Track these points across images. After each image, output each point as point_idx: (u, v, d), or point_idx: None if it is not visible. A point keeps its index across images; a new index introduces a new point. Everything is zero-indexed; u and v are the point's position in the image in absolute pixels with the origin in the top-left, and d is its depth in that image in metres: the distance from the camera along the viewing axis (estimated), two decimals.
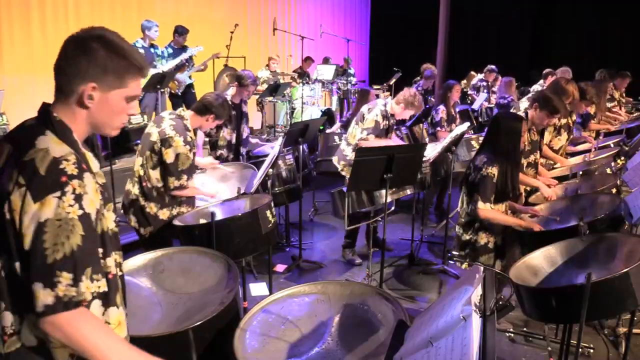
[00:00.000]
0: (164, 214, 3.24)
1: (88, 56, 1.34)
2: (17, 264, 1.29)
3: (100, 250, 1.39)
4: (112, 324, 1.44)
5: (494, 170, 3.20)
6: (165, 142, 3.11)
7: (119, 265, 1.51)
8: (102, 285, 1.34)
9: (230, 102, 4.76)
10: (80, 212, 1.29)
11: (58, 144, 1.33)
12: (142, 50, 6.34)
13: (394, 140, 4.80)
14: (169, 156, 3.12)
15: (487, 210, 3.22)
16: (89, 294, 1.30)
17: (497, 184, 3.22)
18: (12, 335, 1.33)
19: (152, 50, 6.44)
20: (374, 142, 4.40)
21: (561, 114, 4.04)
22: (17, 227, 1.27)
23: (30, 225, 1.25)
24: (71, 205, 1.27)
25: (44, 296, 1.24)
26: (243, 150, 5.01)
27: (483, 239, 3.35)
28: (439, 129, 5.83)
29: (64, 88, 1.37)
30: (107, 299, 1.41)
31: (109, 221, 1.46)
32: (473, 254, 3.39)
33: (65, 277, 1.26)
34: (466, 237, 3.41)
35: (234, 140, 4.87)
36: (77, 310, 1.28)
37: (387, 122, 4.51)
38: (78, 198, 1.29)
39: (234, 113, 4.81)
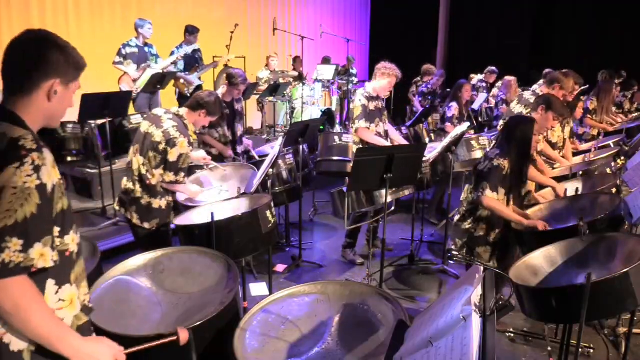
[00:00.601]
0: (163, 204, 3.34)
1: (50, 54, 1.43)
2: None
3: (58, 228, 1.42)
4: (65, 300, 1.46)
5: (505, 163, 3.25)
6: (171, 142, 3.19)
7: (78, 244, 1.54)
8: (55, 256, 1.38)
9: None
10: (38, 182, 1.33)
11: (13, 128, 1.38)
12: (135, 50, 6.28)
13: (393, 134, 4.77)
14: (172, 155, 3.21)
15: (493, 199, 3.24)
16: (42, 261, 1.33)
17: (506, 176, 3.26)
18: None
19: (145, 49, 6.39)
20: (372, 135, 4.40)
21: (565, 114, 4.08)
22: None
23: None
24: (29, 175, 1.31)
25: None
26: (239, 148, 5.00)
27: (482, 229, 3.40)
28: (448, 124, 5.96)
29: (25, 84, 1.43)
30: (61, 277, 1.44)
31: (66, 201, 1.50)
32: (470, 243, 3.44)
33: (15, 244, 1.29)
34: (466, 225, 3.46)
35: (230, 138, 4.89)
36: (20, 277, 1.30)
37: (374, 104, 4.48)
38: (37, 169, 1.33)
39: (227, 112, 4.83)
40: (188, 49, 6.83)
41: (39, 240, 1.32)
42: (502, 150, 3.32)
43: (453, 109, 6.06)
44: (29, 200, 1.30)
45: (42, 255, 1.33)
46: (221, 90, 4.90)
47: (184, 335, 1.65)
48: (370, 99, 4.45)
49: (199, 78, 7.11)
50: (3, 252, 1.27)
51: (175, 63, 6.72)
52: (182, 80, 6.92)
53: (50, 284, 1.42)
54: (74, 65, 1.48)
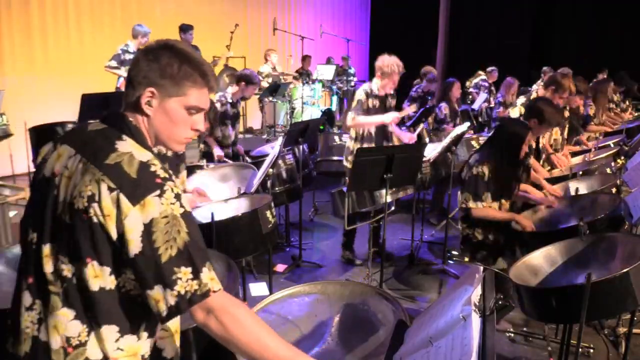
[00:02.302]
0: None
1: (151, 62, 1.31)
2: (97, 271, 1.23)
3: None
4: (167, 330, 1.45)
5: (484, 169, 3.24)
6: None
7: None
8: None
9: (231, 100, 4.80)
10: (182, 210, 1.23)
11: (139, 149, 1.27)
12: (133, 56, 6.27)
13: (398, 132, 4.73)
14: None
15: (479, 209, 3.27)
16: (215, 284, 1.25)
17: (489, 182, 3.25)
18: (78, 347, 1.25)
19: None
20: (362, 118, 4.34)
21: (560, 123, 4.06)
22: (109, 232, 1.20)
23: (134, 229, 1.18)
24: (173, 203, 1.22)
25: (167, 297, 1.20)
26: (232, 148, 5.02)
27: (479, 234, 3.41)
28: (445, 125, 6.05)
29: (130, 95, 1.33)
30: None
31: None
32: (471, 248, 3.45)
33: (184, 273, 1.20)
34: (466, 231, 3.47)
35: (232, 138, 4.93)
36: (208, 299, 1.23)
37: (373, 101, 4.41)
38: (177, 197, 1.23)
39: (235, 111, 4.86)
40: None
41: (204, 265, 1.24)
42: (482, 155, 3.29)
43: (443, 108, 6.19)
44: (181, 227, 1.21)
45: (212, 280, 1.24)
46: (231, 90, 4.92)
47: None
48: (369, 95, 4.40)
49: None
50: (176, 284, 1.19)
51: None
52: None
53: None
54: (170, 77, 1.30)
